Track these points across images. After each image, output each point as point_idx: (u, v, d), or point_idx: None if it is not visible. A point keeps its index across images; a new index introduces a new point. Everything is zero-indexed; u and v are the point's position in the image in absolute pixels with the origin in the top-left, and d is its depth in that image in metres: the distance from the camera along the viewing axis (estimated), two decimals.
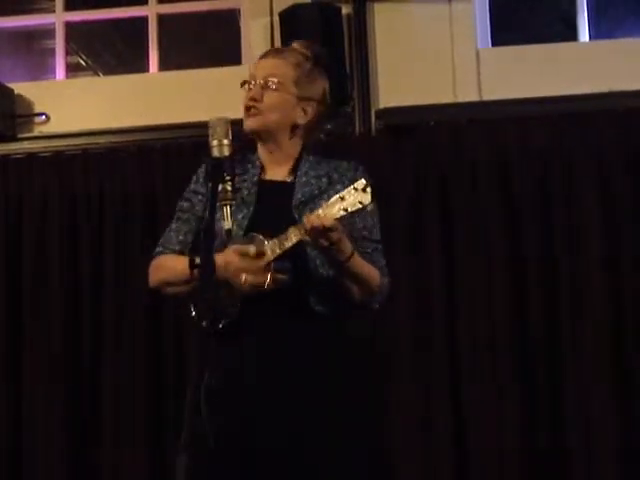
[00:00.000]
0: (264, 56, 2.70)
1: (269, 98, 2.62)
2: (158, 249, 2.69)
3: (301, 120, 2.67)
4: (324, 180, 2.63)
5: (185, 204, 2.70)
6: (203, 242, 2.35)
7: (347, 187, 2.39)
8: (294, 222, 2.49)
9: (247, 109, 2.62)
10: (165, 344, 4.68)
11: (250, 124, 2.61)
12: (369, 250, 2.58)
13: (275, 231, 2.46)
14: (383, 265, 2.63)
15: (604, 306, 4.52)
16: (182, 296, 2.59)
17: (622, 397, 4.47)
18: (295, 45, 2.72)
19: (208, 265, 2.22)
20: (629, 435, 4.45)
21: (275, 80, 2.63)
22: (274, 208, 2.57)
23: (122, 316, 4.71)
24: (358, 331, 2.69)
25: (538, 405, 4.51)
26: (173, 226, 2.70)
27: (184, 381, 3.79)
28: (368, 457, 2.52)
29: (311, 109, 2.68)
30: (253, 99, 2.62)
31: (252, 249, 2.44)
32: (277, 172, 2.66)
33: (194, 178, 2.72)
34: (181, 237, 2.66)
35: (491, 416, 4.50)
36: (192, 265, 2.38)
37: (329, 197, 2.43)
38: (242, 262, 2.43)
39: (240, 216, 2.47)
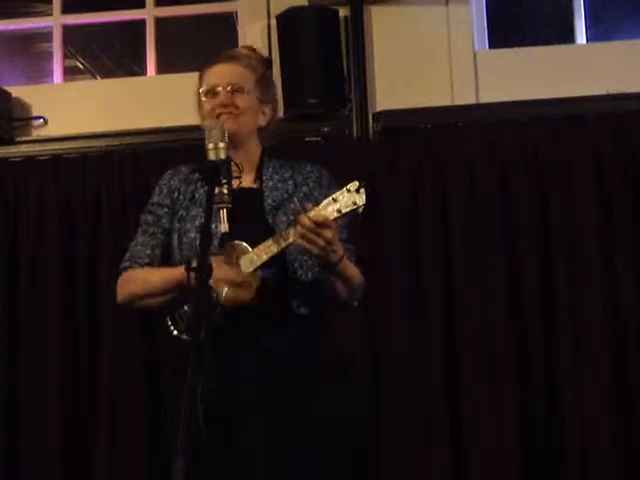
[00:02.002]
0: (215, 63, 2.70)
1: (242, 101, 2.64)
2: (125, 264, 2.69)
3: (262, 123, 2.70)
4: (290, 183, 2.65)
5: (150, 217, 2.70)
6: (199, 245, 2.36)
7: (340, 189, 2.40)
8: (269, 228, 2.51)
9: (218, 114, 2.61)
10: (163, 344, 4.68)
11: (231, 128, 2.58)
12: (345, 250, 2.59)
13: (251, 238, 2.47)
14: (357, 263, 2.64)
15: (602, 306, 4.52)
16: (155, 308, 2.59)
17: (622, 397, 4.46)
18: (244, 50, 2.75)
19: (205, 268, 2.22)
20: (629, 435, 4.45)
21: (243, 84, 2.65)
22: (247, 215, 2.57)
23: (119, 317, 4.71)
24: (342, 330, 2.71)
25: (537, 405, 4.51)
26: (139, 240, 2.70)
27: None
28: (353, 458, 2.53)
29: (268, 111, 2.72)
30: (223, 105, 2.63)
31: (239, 279, 2.43)
32: (243, 179, 2.66)
33: (157, 190, 2.73)
34: (149, 251, 2.66)
35: (489, 416, 4.50)
36: (188, 268, 2.39)
37: (298, 200, 2.44)
38: (226, 274, 2.44)
39: (214, 225, 2.47)
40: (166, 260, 2.64)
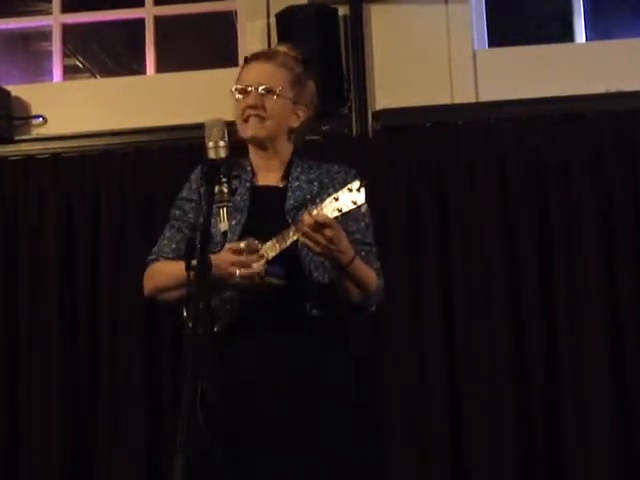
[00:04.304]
0: (253, 60, 2.68)
1: (271, 104, 2.62)
2: (151, 257, 2.70)
3: (295, 124, 2.68)
4: (315, 184, 2.64)
5: (177, 212, 2.71)
6: (199, 244, 2.36)
7: (340, 189, 2.40)
8: (287, 227, 2.49)
9: (246, 117, 2.60)
10: (163, 343, 4.68)
11: (256, 132, 2.60)
12: (363, 253, 2.59)
13: (269, 236, 2.47)
14: (378, 267, 2.63)
15: (602, 306, 4.52)
16: (177, 301, 2.60)
17: (622, 397, 4.47)
18: (282, 48, 2.72)
19: (203, 266, 2.21)
20: (629, 435, 4.45)
21: (274, 85, 2.62)
22: (267, 214, 2.58)
23: (119, 316, 4.71)
24: (357, 332, 2.70)
25: (536, 406, 4.51)
26: (166, 234, 2.71)
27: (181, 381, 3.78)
28: (371, 460, 2.53)
29: (302, 112, 2.70)
30: (253, 107, 2.61)
31: (243, 243, 2.45)
32: (269, 177, 2.66)
33: (187, 185, 2.73)
34: (174, 245, 2.67)
35: (489, 417, 4.50)
36: (188, 267, 2.39)
37: (321, 201, 2.44)
38: (234, 257, 2.45)
39: (233, 222, 2.47)
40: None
